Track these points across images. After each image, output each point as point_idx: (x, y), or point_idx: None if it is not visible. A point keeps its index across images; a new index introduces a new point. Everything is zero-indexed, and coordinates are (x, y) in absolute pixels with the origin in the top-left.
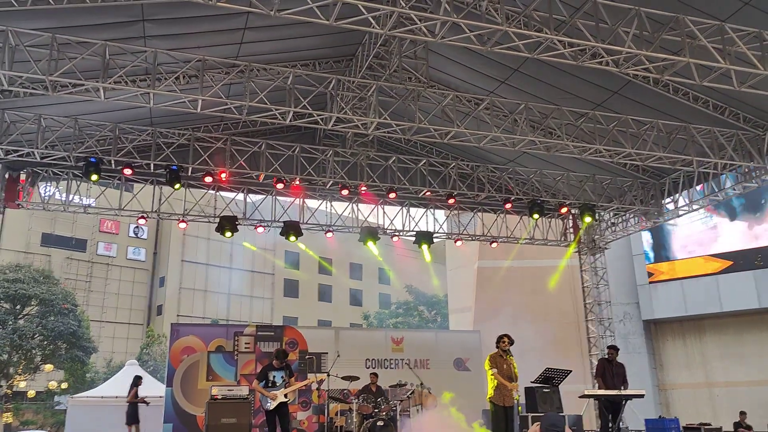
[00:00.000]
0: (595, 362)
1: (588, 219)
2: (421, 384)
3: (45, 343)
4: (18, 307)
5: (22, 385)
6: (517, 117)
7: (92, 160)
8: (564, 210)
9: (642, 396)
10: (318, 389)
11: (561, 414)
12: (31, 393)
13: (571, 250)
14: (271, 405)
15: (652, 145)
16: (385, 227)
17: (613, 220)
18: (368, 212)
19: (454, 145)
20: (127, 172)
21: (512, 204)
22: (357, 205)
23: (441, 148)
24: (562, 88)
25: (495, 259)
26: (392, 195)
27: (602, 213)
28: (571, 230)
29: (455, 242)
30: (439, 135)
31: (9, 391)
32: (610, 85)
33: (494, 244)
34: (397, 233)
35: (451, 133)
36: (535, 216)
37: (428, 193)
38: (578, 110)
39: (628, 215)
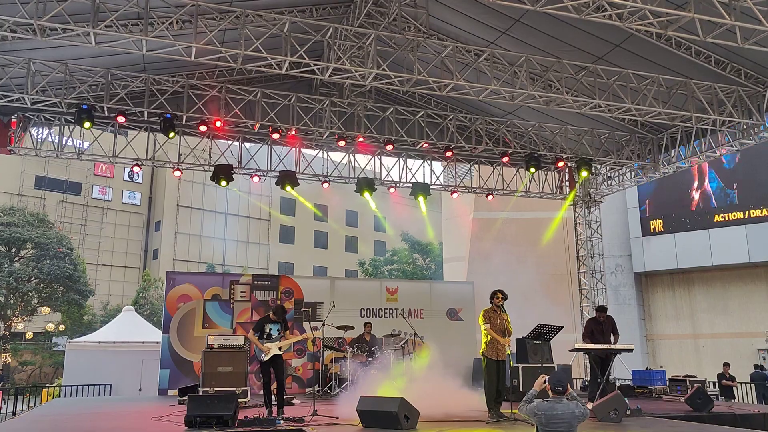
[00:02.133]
0: (586, 314)
1: (585, 173)
2: (415, 333)
3: (41, 286)
4: (13, 250)
5: (20, 326)
6: (517, 69)
7: (84, 107)
8: (561, 164)
9: (631, 350)
10: (314, 340)
11: (566, 371)
12: (29, 334)
13: (568, 204)
14: (265, 357)
15: (652, 100)
16: (382, 178)
17: (609, 174)
18: (365, 162)
19: (452, 97)
20: (121, 120)
21: (509, 157)
22: (354, 155)
23: (439, 99)
24: (563, 40)
25: (490, 210)
26: (389, 147)
27: (599, 167)
28: (567, 183)
29: (451, 194)
30: (438, 87)
31: (7, 332)
32: (612, 38)
33: (490, 197)
34: (393, 184)
35: (451, 85)
36: (532, 170)
37: (426, 146)
38: (579, 63)
39: (624, 169)
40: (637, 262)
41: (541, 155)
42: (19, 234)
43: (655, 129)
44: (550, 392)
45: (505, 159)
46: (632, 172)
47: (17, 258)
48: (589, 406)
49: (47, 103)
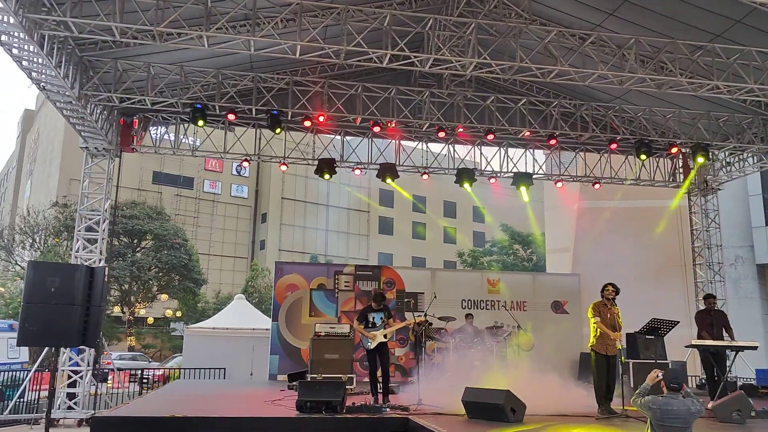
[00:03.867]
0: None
1: (701, 160)
2: (518, 326)
3: (160, 274)
4: (135, 241)
5: (142, 312)
6: (626, 52)
7: (198, 106)
8: (674, 150)
9: (755, 348)
10: (415, 326)
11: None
12: (150, 320)
13: (682, 192)
14: (372, 345)
15: None
16: (482, 168)
17: (728, 160)
18: (465, 153)
19: (556, 83)
20: (231, 117)
21: (618, 144)
22: (453, 146)
23: (542, 85)
24: (677, 19)
25: (597, 200)
26: (490, 136)
27: (716, 152)
28: (681, 170)
29: (555, 183)
30: (541, 74)
31: (131, 317)
32: (731, 14)
33: (597, 185)
34: (494, 174)
35: (555, 71)
36: (643, 157)
37: (528, 134)
38: (694, 43)
39: (746, 154)
40: (760, 253)
41: (652, 141)
42: (140, 226)
43: None
44: (664, 389)
45: (614, 146)
46: (755, 157)
47: (138, 248)
48: (709, 405)
49: (165, 103)
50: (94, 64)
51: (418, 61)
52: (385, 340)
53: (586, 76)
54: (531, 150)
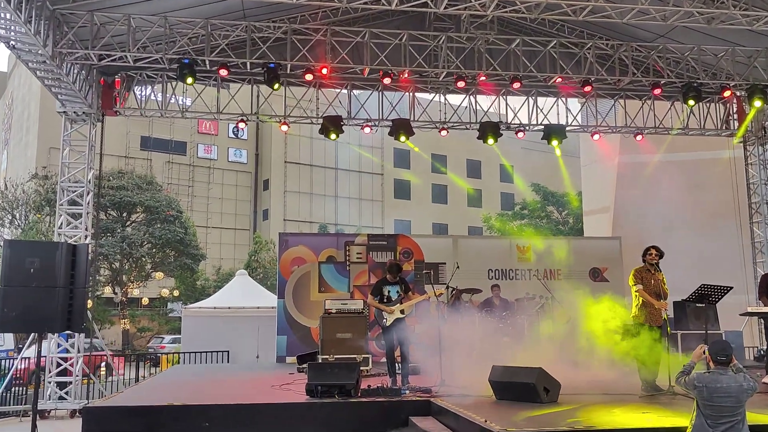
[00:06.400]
0: (761, 271)
1: (758, 103)
2: (552, 296)
3: (154, 250)
4: (124, 214)
5: (136, 292)
6: None
7: (185, 61)
8: (727, 93)
9: None
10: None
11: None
12: (145, 300)
13: (737, 140)
14: (388, 321)
15: None
16: (509, 121)
17: None
18: (488, 104)
19: (590, 22)
20: (223, 72)
21: (662, 89)
22: (475, 97)
23: (575, 25)
24: None
25: (639, 153)
26: (516, 85)
27: None
28: (735, 116)
29: (592, 136)
30: (573, 11)
31: (124, 298)
32: None
33: (639, 137)
34: (522, 128)
35: (588, 8)
36: (691, 102)
37: (560, 80)
38: None
39: None
40: None
41: (701, 84)
42: (129, 198)
43: None
44: (711, 363)
45: (657, 91)
46: None
47: (128, 223)
48: (766, 379)
49: (149, 60)
50: (68, 18)
51: (431, 1)
52: (403, 315)
53: (624, 11)
54: (563, 99)
